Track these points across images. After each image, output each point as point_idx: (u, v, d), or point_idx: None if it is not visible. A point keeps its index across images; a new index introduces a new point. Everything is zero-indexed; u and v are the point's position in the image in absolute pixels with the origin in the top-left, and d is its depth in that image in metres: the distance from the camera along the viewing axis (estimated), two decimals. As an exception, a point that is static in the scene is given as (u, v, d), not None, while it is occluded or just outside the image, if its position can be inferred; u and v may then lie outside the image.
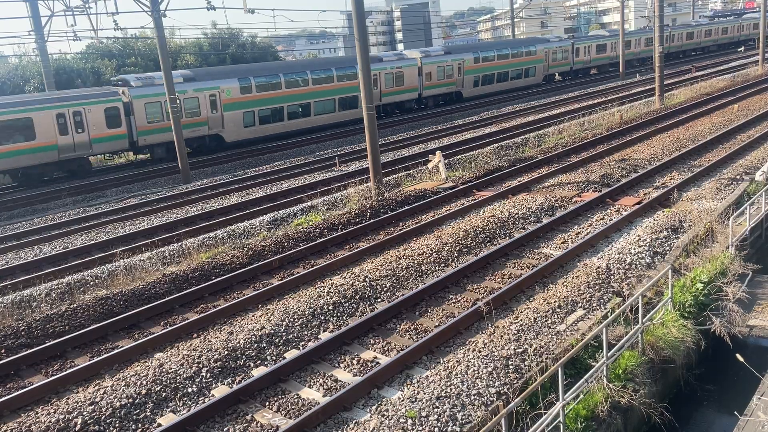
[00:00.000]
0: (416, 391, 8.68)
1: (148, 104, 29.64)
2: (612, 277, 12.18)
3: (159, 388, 9.41)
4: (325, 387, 9.35)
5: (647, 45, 60.04)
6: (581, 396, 8.50)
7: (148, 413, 8.99)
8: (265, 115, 33.71)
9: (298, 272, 14.05)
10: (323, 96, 36.12)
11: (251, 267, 14.25)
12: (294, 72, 35.25)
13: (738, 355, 7.28)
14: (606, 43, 58.37)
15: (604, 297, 11.39)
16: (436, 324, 11.03)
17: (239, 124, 32.79)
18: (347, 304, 11.97)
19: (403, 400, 8.53)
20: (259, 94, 33.13)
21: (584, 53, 56.40)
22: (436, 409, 8.25)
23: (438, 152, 21.94)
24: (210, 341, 10.67)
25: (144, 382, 9.48)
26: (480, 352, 9.52)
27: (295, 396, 9.19)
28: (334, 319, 11.53)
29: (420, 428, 7.96)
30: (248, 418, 8.77)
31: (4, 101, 26.84)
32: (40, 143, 26.53)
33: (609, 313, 10.43)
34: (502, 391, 8.59)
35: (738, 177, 18.27)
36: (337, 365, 9.98)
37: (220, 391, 9.48)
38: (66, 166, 28.66)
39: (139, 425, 8.79)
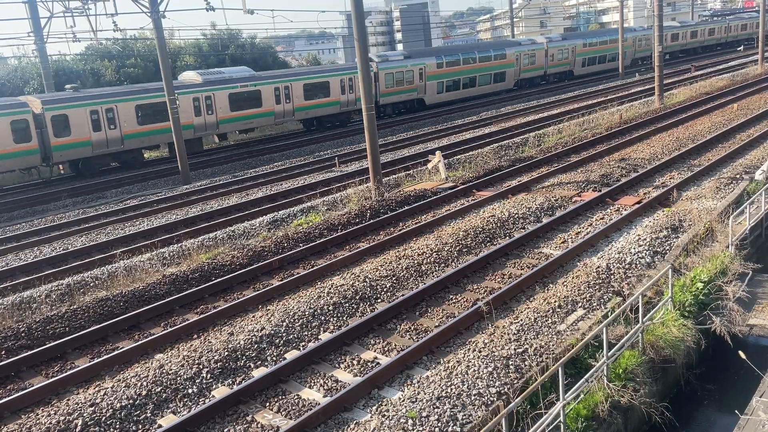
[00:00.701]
0: (417, 392, 8.68)
1: (386, 74, 40.58)
2: (612, 276, 12.18)
3: (159, 389, 9.41)
4: (325, 387, 9.35)
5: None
6: (581, 396, 8.50)
7: (149, 414, 8.99)
8: (449, 84, 45.06)
9: (298, 273, 14.05)
10: (484, 71, 47.26)
11: (251, 268, 14.25)
12: (468, 53, 46.48)
13: (740, 352, 7.29)
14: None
15: (605, 297, 11.39)
16: (437, 324, 11.03)
17: (434, 90, 44.19)
18: (347, 304, 11.97)
19: (403, 401, 8.53)
20: (447, 69, 44.41)
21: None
22: (436, 410, 8.25)
23: (438, 152, 21.95)
24: (210, 342, 10.67)
25: (144, 383, 9.48)
26: (480, 352, 9.52)
27: (296, 396, 9.19)
28: (335, 319, 11.54)
29: (420, 428, 7.96)
30: (249, 418, 8.77)
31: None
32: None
33: (609, 313, 10.43)
34: (502, 391, 8.59)
35: (738, 176, 18.28)
36: (337, 366, 9.98)
37: (220, 391, 9.48)
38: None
39: (140, 426, 8.79)
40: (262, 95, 34.30)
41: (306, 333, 11.07)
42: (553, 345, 9.68)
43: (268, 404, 9.06)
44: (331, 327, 11.31)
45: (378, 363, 9.89)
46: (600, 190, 18.08)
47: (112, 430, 8.69)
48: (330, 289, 12.41)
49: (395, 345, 10.45)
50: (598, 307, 11.04)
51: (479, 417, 8.10)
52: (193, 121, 31.63)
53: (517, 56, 49.62)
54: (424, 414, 8.18)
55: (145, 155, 33.49)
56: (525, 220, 16.15)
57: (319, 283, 13.15)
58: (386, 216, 17.44)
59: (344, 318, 11.60)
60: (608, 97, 39.54)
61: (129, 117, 29.20)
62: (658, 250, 13.30)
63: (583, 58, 56.12)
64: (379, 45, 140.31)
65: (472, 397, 8.47)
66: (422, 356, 9.88)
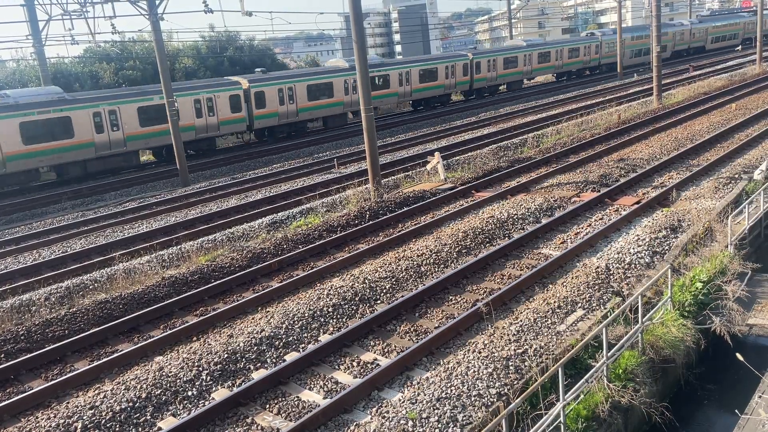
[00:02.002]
0: (416, 393, 8.67)
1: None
2: (611, 277, 12.19)
3: (159, 391, 9.40)
4: (325, 389, 9.35)
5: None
6: (581, 396, 8.50)
7: (149, 417, 8.98)
8: (632, 54, 61.28)
9: (297, 274, 14.04)
10: (642, 47, 61.90)
11: (251, 269, 14.25)
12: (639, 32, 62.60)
13: (738, 355, 7.28)
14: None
15: (604, 297, 11.39)
16: (436, 325, 11.03)
17: (629, 56, 60.09)
18: (347, 305, 11.97)
19: (403, 402, 8.53)
20: (631, 42, 60.68)
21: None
22: (436, 411, 8.25)
23: (437, 153, 21.96)
24: (210, 344, 10.66)
25: (144, 386, 9.47)
26: (480, 353, 9.52)
27: (296, 398, 9.19)
28: (334, 321, 11.53)
29: (421, 429, 7.95)
30: (249, 421, 8.76)
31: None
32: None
33: (609, 313, 10.42)
34: (502, 392, 8.58)
35: (736, 176, 18.29)
36: (337, 367, 9.97)
37: (220, 394, 9.47)
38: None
39: (140, 429, 8.78)
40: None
41: (306, 335, 11.07)
42: (552, 345, 9.68)
43: (268, 406, 9.06)
44: (331, 328, 11.30)
45: (378, 364, 9.89)
46: (599, 191, 18.08)
47: (111, 432, 8.68)
48: (329, 290, 12.40)
49: (395, 346, 10.44)
50: (597, 307, 11.03)
51: (479, 418, 8.09)
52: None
53: (673, 34, 65.45)
54: (424, 415, 8.17)
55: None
56: (524, 220, 16.15)
57: (318, 284, 13.14)
58: (385, 217, 17.45)
59: (344, 319, 11.60)
60: (607, 98, 39.56)
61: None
62: (658, 250, 13.30)
63: (712, 36, 72.05)
64: (377, 47, 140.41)
65: (472, 398, 8.47)
66: (422, 357, 9.88)
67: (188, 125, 31.82)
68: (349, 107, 39.33)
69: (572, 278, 12.14)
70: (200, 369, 9.90)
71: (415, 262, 13.64)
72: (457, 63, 45.80)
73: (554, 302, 11.04)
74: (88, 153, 28.66)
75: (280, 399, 9.20)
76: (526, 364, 9.21)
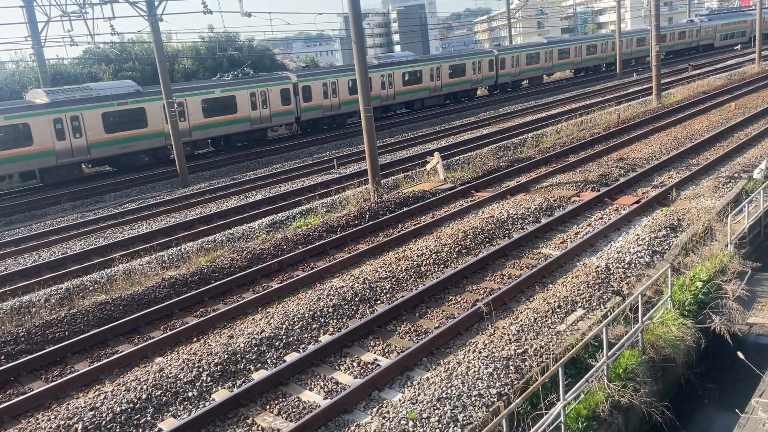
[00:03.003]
0: (417, 393, 8.67)
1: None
2: (611, 276, 12.19)
3: (159, 392, 9.40)
4: (325, 389, 9.35)
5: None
6: (582, 396, 8.50)
7: (149, 418, 8.98)
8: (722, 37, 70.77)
9: (297, 275, 14.04)
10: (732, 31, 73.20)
11: (251, 270, 14.25)
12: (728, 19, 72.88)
13: (739, 353, 7.29)
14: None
15: (604, 296, 11.39)
16: (436, 325, 11.03)
17: (719, 39, 69.35)
18: (347, 306, 11.97)
19: (403, 402, 8.53)
20: (722, 28, 71.74)
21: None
22: (437, 411, 8.25)
23: (436, 153, 21.96)
24: (210, 345, 10.66)
25: (144, 387, 9.47)
26: (480, 352, 9.52)
27: (296, 399, 9.19)
28: (334, 321, 11.53)
29: (421, 430, 7.95)
30: (249, 421, 8.76)
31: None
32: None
33: (609, 313, 10.42)
34: (502, 392, 8.58)
35: (736, 175, 18.30)
36: (337, 368, 9.97)
37: (220, 395, 9.47)
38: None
39: (140, 430, 8.78)
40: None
41: (306, 335, 11.06)
42: (553, 345, 9.68)
43: (268, 407, 9.06)
44: (331, 329, 11.30)
45: (378, 365, 9.89)
46: (599, 190, 18.09)
47: (112, 434, 8.68)
48: (329, 291, 12.40)
49: (395, 346, 10.44)
50: (597, 307, 11.04)
51: (480, 418, 8.10)
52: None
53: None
54: (424, 415, 8.17)
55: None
56: (524, 220, 16.16)
57: (318, 285, 13.14)
58: (385, 217, 17.45)
59: (344, 320, 11.60)
60: (606, 97, 39.58)
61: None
62: (657, 249, 13.31)
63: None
64: (376, 47, 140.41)
65: (473, 398, 8.47)
66: (422, 357, 9.88)
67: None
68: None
69: (572, 278, 12.14)
70: (200, 370, 9.90)
71: (415, 263, 13.65)
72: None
73: (554, 302, 11.04)
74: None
75: (280, 399, 9.20)
76: (526, 363, 9.21)
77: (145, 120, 30.22)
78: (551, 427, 7.70)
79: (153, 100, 30.33)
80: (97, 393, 9.56)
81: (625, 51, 61.33)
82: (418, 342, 10.29)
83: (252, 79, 35.60)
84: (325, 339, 10.89)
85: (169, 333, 11.40)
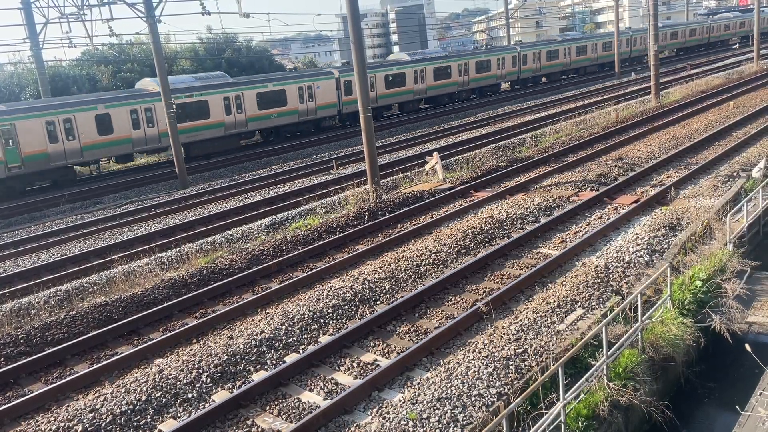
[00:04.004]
0: (417, 393, 8.67)
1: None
2: (611, 276, 12.19)
3: (159, 394, 9.39)
4: (325, 390, 9.34)
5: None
6: (582, 395, 8.50)
7: (149, 419, 8.97)
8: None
9: (297, 276, 14.04)
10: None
11: (250, 271, 14.24)
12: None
13: (747, 345, 7.29)
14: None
15: (604, 296, 11.39)
16: (436, 325, 11.02)
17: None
18: (346, 306, 11.96)
19: (403, 402, 8.53)
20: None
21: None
22: (437, 411, 8.24)
23: (435, 153, 21.96)
24: (210, 346, 10.65)
25: (144, 389, 9.46)
26: (480, 352, 9.52)
27: (296, 400, 9.18)
28: (334, 322, 11.53)
29: (421, 430, 7.95)
30: (249, 422, 8.76)
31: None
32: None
33: (608, 312, 10.43)
34: (502, 392, 8.58)
35: (735, 174, 18.30)
36: (337, 368, 9.97)
37: (220, 396, 9.47)
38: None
39: (140, 431, 8.77)
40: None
41: (305, 336, 11.06)
42: (552, 345, 9.68)
43: (268, 408, 9.05)
44: (331, 330, 11.30)
45: (378, 365, 9.88)
46: (598, 190, 18.09)
47: (112, 435, 8.67)
48: (329, 291, 12.40)
49: (395, 347, 10.44)
50: (597, 306, 11.04)
51: (480, 418, 8.09)
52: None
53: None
54: (424, 415, 8.17)
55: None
56: (523, 220, 16.16)
57: (318, 285, 13.14)
58: (384, 218, 17.44)
59: (343, 320, 11.59)
60: (604, 97, 39.60)
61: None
62: (657, 248, 13.31)
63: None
64: (375, 47, 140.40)
65: (473, 398, 8.47)
66: (422, 358, 9.88)
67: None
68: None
69: (572, 277, 12.14)
70: (200, 371, 9.89)
71: (414, 263, 13.64)
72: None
73: (554, 301, 11.04)
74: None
75: (280, 400, 9.20)
76: (526, 363, 9.21)
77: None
78: (551, 427, 7.70)
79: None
80: (96, 395, 9.55)
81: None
82: (417, 342, 10.29)
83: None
84: (324, 339, 10.89)
85: (169, 334, 11.39)
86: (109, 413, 8.97)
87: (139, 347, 11.05)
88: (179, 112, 30.45)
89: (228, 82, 34.54)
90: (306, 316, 11.50)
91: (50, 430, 8.71)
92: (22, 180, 27.79)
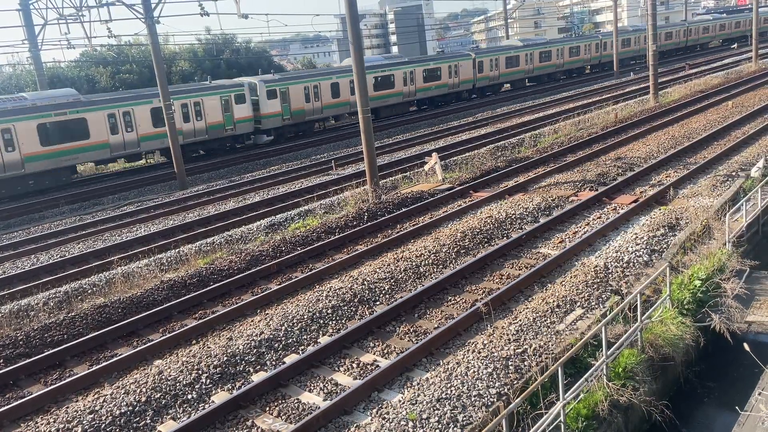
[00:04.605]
0: (416, 394, 8.67)
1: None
2: (610, 275, 12.19)
3: (159, 395, 9.39)
4: (325, 391, 9.34)
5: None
6: (581, 395, 8.50)
7: (148, 421, 8.97)
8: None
9: (296, 276, 14.03)
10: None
11: (249, 272, 14.24)
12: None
13: (745, 344, 7.29)
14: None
15: (603, 296, 11.39)
16: (436, 326, 11.02)
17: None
18: (346, 307, 11.96)
19: (403, 403, 8.53)
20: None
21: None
22: (436, 411, 8.24)
23: (434, 154, 21.96)
24: (209, 347, 10.65)
25: (143, 390, 9.46)
26: (480, 353, 9.52)
27: (296, 400, 9.18)
28: (333, 322, 11.52)
29: (421, 430, 7.95)
30: (249, 423, 8.75)
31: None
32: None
33: (608, 312, 10.43)
34: (502, 392, 8.58)
35: (734, 173, 18.32)
36: (336, 369, 9.97)
37: (220, 397, 9.46)
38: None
39: (140, 433, 8.77)
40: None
41: (305, 337, 11.06)
42: (552, 345, 9.68)
43: (268, 408, 9.05)
44: (330, 330, 11.30)
45: (377, 365, 9.88)
46: (597, 190, 18.10)
47: (111, 437, 8.67)
48: (328, 292, 12.40)
49: (394, 347, 10.44)
50: (596, 306, 11.04)
51: (479, 418, 8.09)
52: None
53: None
54: (424, 416, 8.17)
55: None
56: (522, 220, 16.16)
57: (317, 286, 13.14)
58: (384, 218, 17.44)
59: (343, 321, 11.59)
60: (603, 97, 39.61)
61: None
62: (656, 248, 13.32)
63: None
64: (374, 48, 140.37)
65: (472, 398, 8.47)
66: (422, 358, 9.88)
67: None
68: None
69: (571, 277, 12.14)
70: (200, 372, 9.89)
71: (413, 263, 13.64)
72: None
73: (553, 301, 11.04)
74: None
75: (280, 401, 9.19)
76: (525, 363, 9.21)
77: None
78: (551, 427, 7.70)
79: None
80: (96, 396, 9.55)
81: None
82: (417, 343, 10.29)
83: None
84: (324, 340, 10.88)
85: (168, 335, 11.39)
86: (109, 414, 8.96)
87: (138, 348, 11.05)
88: (375, 82, 39.61)
89: (405, 61, 43.78)
90: (305, 316, 11.50)
91: (50, 431, 8.69)
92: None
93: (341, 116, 42.32)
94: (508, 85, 55.25)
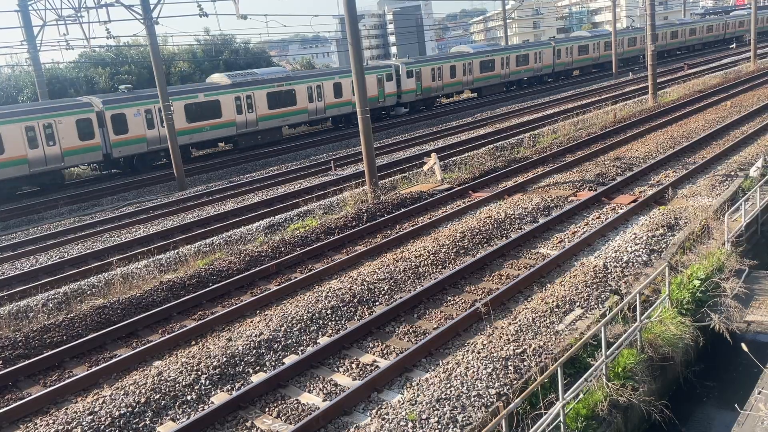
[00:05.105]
0: (416, 394, 8.67)
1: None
2: (609, 275, 12.20)
3: (158, 396, 9.38)
4: (324, 391, 9.34)
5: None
6: (581, 395, 8.50)
7: (148, 422, 8.96)
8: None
9: (295, 277, 14.03)
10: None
11: (249, 273, 14.23)
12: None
13: (743, 344, 7.30)
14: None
15: (602, 296, 11.40)
16: (435, 326, 11.02)
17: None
18: (345, 308, 11.96)
19: (403, 403, 8.53)
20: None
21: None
22: (436, 412, 8.24)
23: (433, 154, 21.96)
24: (208, 348, 10.64)
25: (143, 391, 9.45)
26: (479, 353, 9.52)
27: (295, 401, 9.18)
28: (333, 323, 11.52)
29: (421, 431, 7.95)
30: (248, 424, 8.75)
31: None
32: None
33: (607, 312, 10.44)
34: (502, 392, 8.58)
35: (732, 173, 18.33)
36: (336, 369, 9.96)
37: (219, 397, 9.46)
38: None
39: (139, 434, 8.76)
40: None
41: (304, 337, 11.05)
42: (551, 345, 9.68)
43: (267, 409, 9.04)
44: (330, 331, 11.30)
45: (377, 366, 9.88)
46: (596, 190, 18.11)
47: (111, 438, 8.66)
48: (328, 293, 12.39)
49: (394, 348, 10.44)
50: (596, 306, 11.05)
51: (479, 418, 8.10)
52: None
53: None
54: (423, 416, 8.17)
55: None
56: (521, 220, 16.16)
57: (316, 287, 13.14)
58: (383, 219, 17.44)
59: (342, 322, 11.59)
60: (602, 97, 39.63)
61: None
62: (655, 248, 13.32)
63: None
64: (372, 48, 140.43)
65: (472, 399, 8.47)
66: (421, 358, 9.87)
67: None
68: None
69: (570, 277, 12.15)
70: (199, 373, 9.89)
71: (413, 263, 13.64)
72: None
73: (553, 302, 11.05)
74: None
75: (279, 402, 9.19)
76: (525, 363, 9.21)
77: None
78: (551, 427, 7.70)
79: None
80: (95, 397, 9.54)
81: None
82: (416, 343, 10.29)
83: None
84: (323, 341, 10.88)
85: (168, 336, 11.38)
86: (108, 416, 8.96)
87: (137, 349, 11.03)
88: (481, 65, 46.76)
89: (501, 48, 50.30)
90: (305, 317, 11.50)
91: (49, 432, 8.69)
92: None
93: (454, 93, 50.32)
94: (578, 71, 61.02)
